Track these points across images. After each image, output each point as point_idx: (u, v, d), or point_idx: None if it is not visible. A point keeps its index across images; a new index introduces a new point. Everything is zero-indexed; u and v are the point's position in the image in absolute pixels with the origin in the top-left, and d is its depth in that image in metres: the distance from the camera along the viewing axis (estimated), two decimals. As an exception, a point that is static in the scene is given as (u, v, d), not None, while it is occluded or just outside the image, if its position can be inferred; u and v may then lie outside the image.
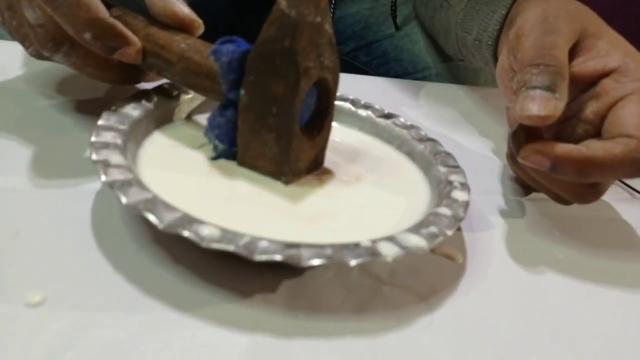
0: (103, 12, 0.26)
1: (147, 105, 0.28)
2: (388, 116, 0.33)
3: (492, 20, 0.38)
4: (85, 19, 0.26)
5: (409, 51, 0.57)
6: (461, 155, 0.30)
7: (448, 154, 0.30)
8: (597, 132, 0.28)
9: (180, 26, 0.28)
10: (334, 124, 0.28)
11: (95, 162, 0.22)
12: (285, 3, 0.22)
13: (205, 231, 0.19)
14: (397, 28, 0.59)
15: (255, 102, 0.24)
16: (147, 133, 0.28)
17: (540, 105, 0.25)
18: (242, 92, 0.24)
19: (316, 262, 0.19)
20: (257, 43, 0.23)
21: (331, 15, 0.56)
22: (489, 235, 0.28)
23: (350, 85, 0.34)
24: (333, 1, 0.56)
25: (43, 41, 0.27)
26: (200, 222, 0.20)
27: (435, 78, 0.55)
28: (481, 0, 0.41)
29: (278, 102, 0.23)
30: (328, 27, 0.24)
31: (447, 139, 0.34)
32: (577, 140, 0.28)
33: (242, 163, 0.26)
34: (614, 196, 0.34)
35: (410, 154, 0.31)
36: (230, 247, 0.19)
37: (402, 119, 0.33)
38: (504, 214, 0.31)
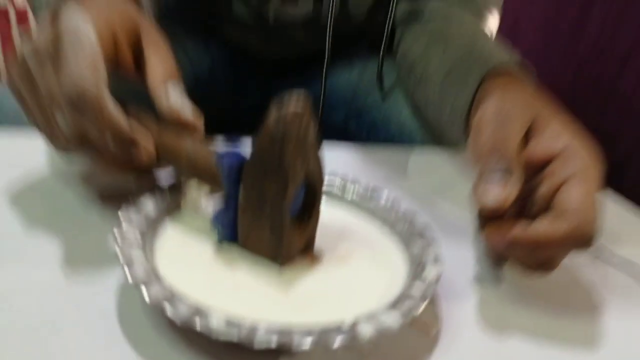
0: (124, 123, 0.31)
1: (161, 196, 0.32)
2: (373, 191, 0.37)
3: (462, 102, 0.42)
4: (108, 128, 0.30)
5: (395, 118, 0.62)
6: (441, 223, 0.34)
7: (425, 227, 0.34)
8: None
9: (184, 127, 0.33)
10: (323, 203, 0.32)
11: (120, 262, 0.26)
12: (274, 121, 0.27)
13: (214, 323, 0.23)
14: (384, 99, 0.64)
15: (251, 202, 0.28)
16: (161, 223, 0.32)
17: (495, 195, 0.29)
18: (241, 193, 0.28)
19: (305, 346, 0.23)
20: (252, 154, 0.28)
21: (322, 86, 0.61)
22: (463, 304, 0.32)
23: (342, 155, 0.38)
24: (324, 71, 0.61)
25: (70, 138, 0.32)
26: (210, 314, 0.24)
27: (421, 142, 0.59)
28: (452, 81, 0.46)
29: (271, 202, 0.28)
30: (312, 131, 0.29)
31: (429, 205, 0.38)
32: (533, 218, 0.32)
33: (243, 248, 0.30)
34: (580, 260, 0.38)
35: (392, 230, 0.35)
36: (234, 338, 0.23)
37: (385, 194, 0.37)
38: (478, 282, 0.34)
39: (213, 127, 0.70)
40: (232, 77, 0.72)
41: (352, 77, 0.69)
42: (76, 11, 0.30)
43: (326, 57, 0.59)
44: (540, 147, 0.32)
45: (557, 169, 0.31)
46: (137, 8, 0.37)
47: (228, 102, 0.73)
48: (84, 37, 0.29)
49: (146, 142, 0.31)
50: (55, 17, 0.31)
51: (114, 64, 0.32)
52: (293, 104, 0.27)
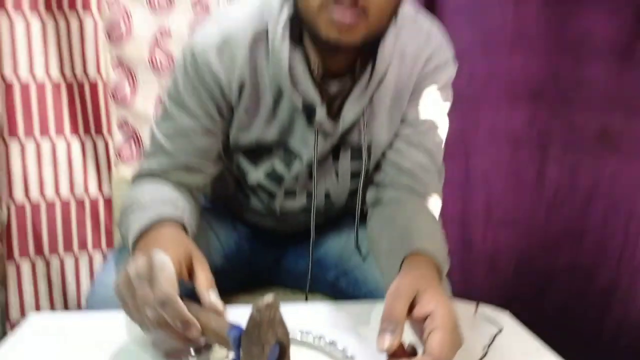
0: (188, 314, 0.52)
1: (199, 353, 0.54)
2: (332, 341, 0.58)
3: (394, 277, 0.64)
4: (178, 318, 0.52)
5: (372, 276, 0.82)
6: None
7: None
8: None
9: (216, 313, 0.56)
10: (300, 350, 0.53)
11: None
12: (255, 311, 0.49)
13: None
14: (364, 260, 0.86)
15: (246, 358, 0.50)
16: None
17: (384, 344, 0.50)
18: (240, 353, 0.50)
19: None
20: (244, 330, 0.50)
21: (310, 255, 0.84)
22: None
23: (328, 309, 0.57)
24: (311, 245, 0.84)
25: (154, 323, 0.54)
26: None
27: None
28: (390, 260, 0.68)
29: (256, 358, 0.49)
30: (279, 313, 0.50)
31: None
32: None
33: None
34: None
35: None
36: None
37: (340, 342, 0.57)
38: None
39: (238, 282, 0.93)
40: (252, 247, 0.97)
41: (340, 244, 0.92)
42: (161, 253, 0.54)
43: (312, 236, 0.83)
44: (419, 311, 0.53)
45: (428, 324, 0.52)
46: (189, 240, 0.63)
47: (249, 265, 0.97)
48: (166, 269, 0.53)
49: (196, 323, 0.54)
50: (147, 255, 0.55)
51: (179, 277, 0.56)
52: (267, 300, 0.49)
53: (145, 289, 0.53)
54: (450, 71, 0.83)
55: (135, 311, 0.54)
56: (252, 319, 0.49)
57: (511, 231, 1.38)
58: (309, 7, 0.66)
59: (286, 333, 0.52)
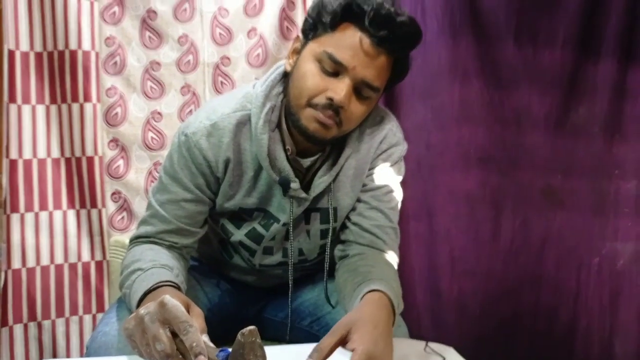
0: (202, 342, 0.64)
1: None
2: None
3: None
4: (197, 343, 0.63)
5: (340, 321, 0.96)
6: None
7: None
8: None
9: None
10: None
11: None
12: (239, 336, 0.61)
13: None
14: (333, 307, 0.99)
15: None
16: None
17: None
18: (228, 372, 0.62)
19: None
20: (231, 352, 0.62)
21: (289, 304, 0.97)
22: None
23: (305, 349, 0.70)
24: (289, 295, 0.97)
25: (162, 356, 0.64)
26: None
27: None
28: (351, 302, 0.81)
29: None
30: (258, 340, 0.62)
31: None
32: None
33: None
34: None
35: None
36: None
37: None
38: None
39: (222, 332, 1.04)
40: (235, 300, 1.09)
41: (314, 295, 1.05)
42: (171, 297, 0.65)
43: (290, 287, 0.96)
44: (349, 346, 0.67)
45: (352, 358, 0.65)
46: (185, 296, 0.75)
47: (232, 316, 1.08)
48: (180, 306, 0.64)
49: (205, 351, 0.64)
50: (157, 299, 0.66)
51: None
52: (248, 330, 0.62)
53: (156, 325, 0.64)
54: (400, 149, 0.99)
55: (144, 346, 0.65)
56: (237, 342, 0.61)
57: (474, 280, 1.52)
58: (299, 99, 0.84)
59: (264, 355, 0.64)
